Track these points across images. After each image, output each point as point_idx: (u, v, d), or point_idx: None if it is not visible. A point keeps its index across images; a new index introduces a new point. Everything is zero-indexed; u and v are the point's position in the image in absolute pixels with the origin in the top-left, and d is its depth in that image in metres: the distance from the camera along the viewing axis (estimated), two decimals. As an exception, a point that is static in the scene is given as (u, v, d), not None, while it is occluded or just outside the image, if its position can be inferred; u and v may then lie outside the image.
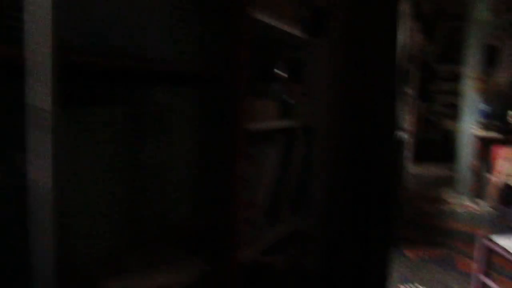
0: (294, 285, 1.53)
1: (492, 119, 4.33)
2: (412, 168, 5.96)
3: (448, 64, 6.33)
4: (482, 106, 4.43)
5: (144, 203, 1.11)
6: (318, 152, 1.65)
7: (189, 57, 1.15)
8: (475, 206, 4.34)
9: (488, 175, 4.25)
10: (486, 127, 4.34)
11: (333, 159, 1.68)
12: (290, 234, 1.66)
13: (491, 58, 4.43)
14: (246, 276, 1.37)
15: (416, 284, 2.50)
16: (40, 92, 0.68)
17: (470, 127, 4.56)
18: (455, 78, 5.46)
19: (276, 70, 1.48)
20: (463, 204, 4.44)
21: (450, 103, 6.35)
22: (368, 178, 1.67)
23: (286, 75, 1.49)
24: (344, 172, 1.68)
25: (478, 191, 4.45)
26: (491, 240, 2.00)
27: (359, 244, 1.69)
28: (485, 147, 4.35)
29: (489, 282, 2.00)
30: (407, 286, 2.47)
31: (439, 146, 6.72)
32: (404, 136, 3.49)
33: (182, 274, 1.00)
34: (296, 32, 1.45)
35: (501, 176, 3.41)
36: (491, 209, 4.04)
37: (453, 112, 5.52)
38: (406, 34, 3.30)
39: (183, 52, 1.13)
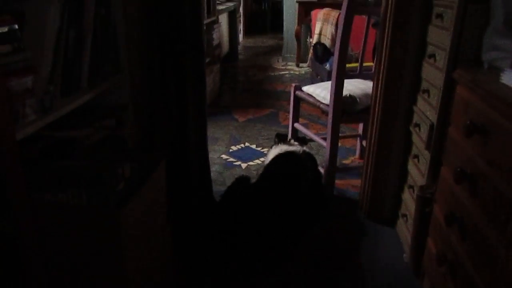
0: (111, 153, 1.43)
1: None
2: (244, 41, 6.10)
3: None
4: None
5: None
6: (117, 7, 1.43)
7: None
8: (298, 69, 4.76)
9: (308, 39, 4.60)
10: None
11: (136, 14, 1.49)
12: (97, 105, 1.50)
13: None
14: (41, 152, 1.20)
15: (246, 143, 2.69)
16: None
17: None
18: None
19: None
20: (288, 68, 4.82)
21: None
22: (177, 35, 1.55)
23: None
24: (152, 30, 1.52)
25: (302, 55, 4.84)
26: (300, 89, 2.19)
27: (176, 110, 1.63)
28: (305, 12, 4.60)
29: (298, 125, 2.24)
30: (238, 147, 2.64)
31: (267, 17, 6.92)
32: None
33: None
34: None
35: (315, 36, 3.70)
36: (309, 69, 4.48)
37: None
38: None
39: None
